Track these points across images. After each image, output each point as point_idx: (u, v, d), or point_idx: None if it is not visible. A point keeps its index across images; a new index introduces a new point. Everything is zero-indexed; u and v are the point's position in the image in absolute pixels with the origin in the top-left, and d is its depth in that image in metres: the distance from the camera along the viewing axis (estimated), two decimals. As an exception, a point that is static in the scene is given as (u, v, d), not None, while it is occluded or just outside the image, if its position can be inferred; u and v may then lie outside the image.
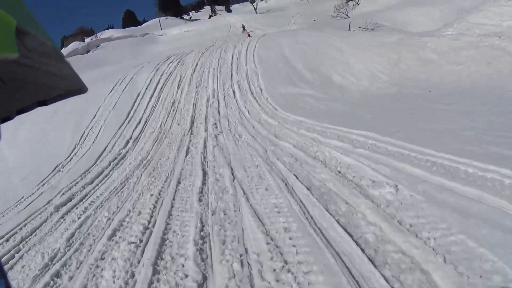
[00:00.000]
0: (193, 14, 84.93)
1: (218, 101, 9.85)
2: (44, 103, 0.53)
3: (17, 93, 0.47)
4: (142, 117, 9.79)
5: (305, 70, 12.03)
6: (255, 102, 9.38)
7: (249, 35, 27.86)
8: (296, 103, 9.20)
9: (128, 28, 53.67)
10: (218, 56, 13.84)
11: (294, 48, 14.12)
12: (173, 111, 9.70)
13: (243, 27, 32.78)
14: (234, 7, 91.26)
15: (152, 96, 11.20)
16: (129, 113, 10.28)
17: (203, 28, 39.38)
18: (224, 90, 10.58)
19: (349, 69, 12.31)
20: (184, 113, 9.36)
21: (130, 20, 78.30)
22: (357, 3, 31.74)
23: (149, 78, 12.65)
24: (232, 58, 13.32)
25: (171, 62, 14.32)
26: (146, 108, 10.39)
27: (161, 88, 11.73)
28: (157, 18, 61.96)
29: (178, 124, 8.65)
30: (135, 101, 11.03)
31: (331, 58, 12.99)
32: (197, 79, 11.83)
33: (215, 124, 8.13)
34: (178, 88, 11.37)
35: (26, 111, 0.53)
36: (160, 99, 10.83)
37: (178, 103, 10.19)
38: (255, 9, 46.80)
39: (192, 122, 8.59)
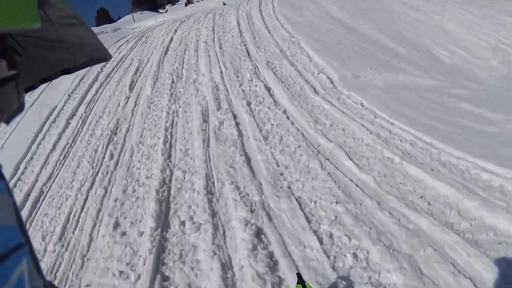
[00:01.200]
0: (169, 7, 77.19)
1: (235, 118, 3.59)
2: (68, 71, 0.52)
3: (41, 62, 0.47)
4: (34, 184, 3.56)
5: (388, 40, 6.09)
6: (343, 116, 3.23)
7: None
8: (445, 117, 3.14)
9: (100, 26, 46.51)
10: (212, 23, 7.50)
11: (343, 5, 8.01)
12: (111, 158, 3.40)
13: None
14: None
15: (72, 115, 4.90)
16: (17, 168, 4.04)
17: (180, 16, 32.39)
18: (242, 85, 4.30)
19: (451, 38, 6.88)
20: (139, 170, 3.09)
21: (104, 18, 70.03)
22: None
23: (79, 77, 6.28)
24: (239, 25, 7.01)
25: (126, 42, 7.89)
26: (53, 151, 4.11)
27: (96, 94, 5.40)
28: (131, 14, 55.19)
29: (117, 229, 2.40)
30: (39, 133, 4.75)
31: (412, 20, 7.49)
32: (173, 67, 5.51)
33: (259, 240, 1.94)
34: (130, 89, 5.05)
35: (51, 80, 0.52)
36: (88, 122, 4.51)
37: (127, 133, 3.89)
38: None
39: (165, 215, 2.37)
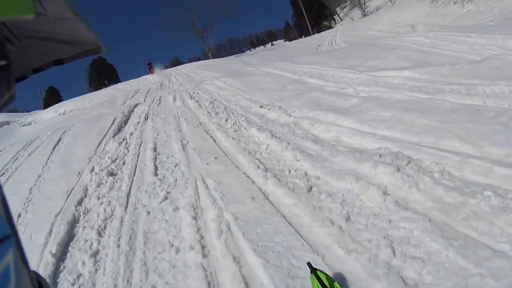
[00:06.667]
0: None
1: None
2: (61, 62, 0.50)
3: (34, 52, 0.46)
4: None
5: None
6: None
7: (151, 72, 19.33)
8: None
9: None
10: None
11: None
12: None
13: (149, 66, 21.33)
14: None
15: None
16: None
17: (90, 103, 17.31)
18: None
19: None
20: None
21: (53, 99, 60.84)
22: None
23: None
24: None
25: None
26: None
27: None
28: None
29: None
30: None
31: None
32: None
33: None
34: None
35: (43, 70, 0.51)
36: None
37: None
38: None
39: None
